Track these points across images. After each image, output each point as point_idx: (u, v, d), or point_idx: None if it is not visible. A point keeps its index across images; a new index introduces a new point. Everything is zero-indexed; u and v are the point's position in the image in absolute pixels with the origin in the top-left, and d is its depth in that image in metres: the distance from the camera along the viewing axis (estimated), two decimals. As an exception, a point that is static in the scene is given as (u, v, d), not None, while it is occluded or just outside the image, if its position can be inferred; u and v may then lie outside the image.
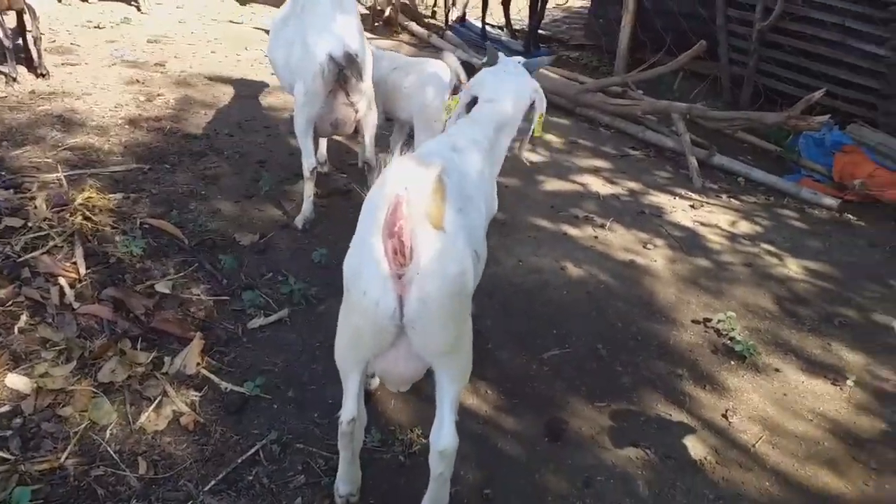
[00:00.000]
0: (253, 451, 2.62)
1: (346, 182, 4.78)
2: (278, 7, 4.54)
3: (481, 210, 2.49)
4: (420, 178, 1.85)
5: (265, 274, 3.68)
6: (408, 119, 4.28)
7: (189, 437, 2.65)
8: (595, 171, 5.48)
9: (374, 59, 4.17)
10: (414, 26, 8.46)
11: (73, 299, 3.11)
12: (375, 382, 2.98)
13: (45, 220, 3.59)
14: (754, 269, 4.31)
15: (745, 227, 4.84)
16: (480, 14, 8.40)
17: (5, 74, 5.37)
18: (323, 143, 4.89)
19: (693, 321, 3.73)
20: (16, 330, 2.91)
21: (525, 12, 9.59)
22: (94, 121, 4.99)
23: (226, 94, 6.02)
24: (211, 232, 3.95)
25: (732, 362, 3.44)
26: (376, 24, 8.56)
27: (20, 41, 5.75)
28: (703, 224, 4.80)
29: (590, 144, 6.01)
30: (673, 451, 2.85)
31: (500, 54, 3.03)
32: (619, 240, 4.44)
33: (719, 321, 3.66)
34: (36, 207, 3.67)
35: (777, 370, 3.43)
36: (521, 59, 3.03)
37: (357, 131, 4.13)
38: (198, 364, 2.95)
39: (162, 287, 3.37)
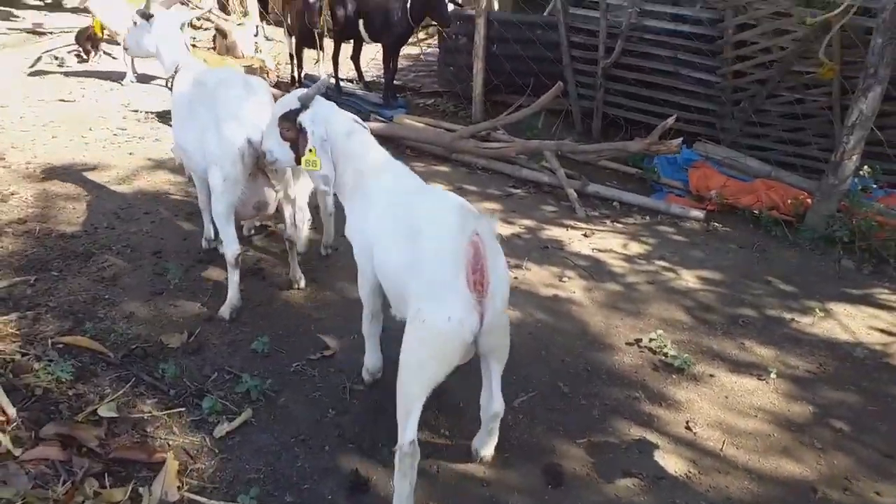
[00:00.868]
0: (273, 569, 2.47)
1: (255, 261, 4.62)
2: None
3: None
4: (483, 224, 2.50)
5: (210, 375, 3.47)
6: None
7: (198, 571, 2.44)
8: (489, 213, 5.73)
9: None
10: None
11: (11, 446, 2.75)
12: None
13: (-59, 361, 3.14)
14: (658, 285, 4.75)
15: (636, 247, 5.31)
16: (332, 69, 8.48)
17: None
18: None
19: (627, 343, 4.04)
20: (-46, 498, 2.52)
21: (373, 63, 9.84)
22: (-49, 234, 4.43)
23: (87, 182, 5.58)
24: (134, 339, 3.66)
25: (674, 376, 3.78)
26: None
27: None
28: (600, 250, 5.21)
29: (475, 188, 6.29)
30: (660, 472, 3.08)
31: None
32: (536, 277, 4.70)
33: (651, 340, 4.00)
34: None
35: (711, 376, 3.81)
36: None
37: (278, 210, 4.05)
38: (178, 488, 2.73)
39: (106, 411, 3.07)
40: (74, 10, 11.68)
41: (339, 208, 4.60)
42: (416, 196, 2.90)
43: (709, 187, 6.10)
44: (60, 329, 3.63)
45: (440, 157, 6.90)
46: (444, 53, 8.37)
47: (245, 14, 11.04)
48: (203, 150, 3.75)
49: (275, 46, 10.59)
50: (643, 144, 5.81)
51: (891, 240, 5.03)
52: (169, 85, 4.22)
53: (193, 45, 8.90)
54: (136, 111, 7.57)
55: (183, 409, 3.19)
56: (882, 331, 4.37)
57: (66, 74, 8.66)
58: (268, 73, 7.13)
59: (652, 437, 3.30)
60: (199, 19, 10.85)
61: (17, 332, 3.51)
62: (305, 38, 8.29)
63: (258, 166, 3.73)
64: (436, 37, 10.08)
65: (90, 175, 5.72)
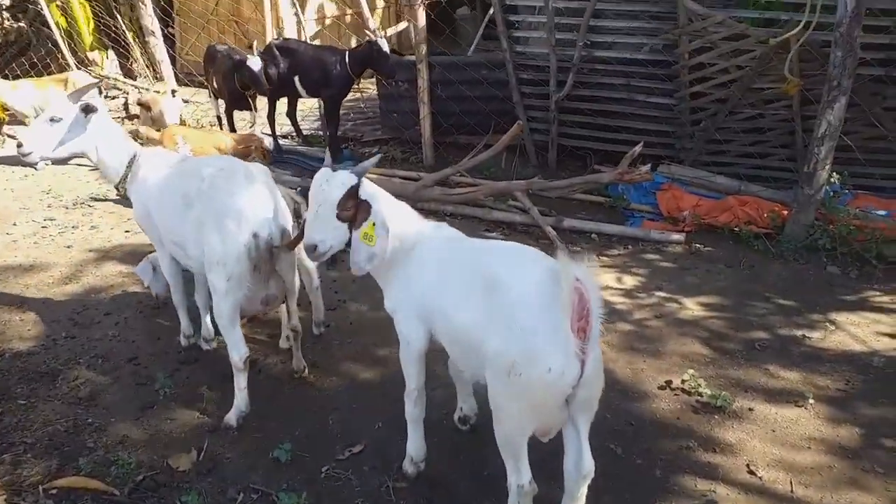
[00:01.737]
0: None
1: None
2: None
3: None
4: (583, 269, 2.35)
5: (236, 498, 3.13)
6: None
7: None
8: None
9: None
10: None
11: None
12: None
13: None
14: (666, 318, 4.70)
15: (630, 280, 5.28)
16: (270, 130, 8.18)
17: None
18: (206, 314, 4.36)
19: (659, 388, 3.95)
20: None
21: (305, 117, 9.59)
22: None
23: (28, 286, 5.07)
24: (137, 468, 3.26)
25: (716, 416, 3.70)
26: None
27: None
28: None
29: (450, 238, 6.12)
30: (743, 527, 2.96)
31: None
32: (544, 328, 4.56)
33: (683, 381, 3.92)
34: None
35: (751, 409, 3.76)
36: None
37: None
38: None
39: (132, 566, 2.68)
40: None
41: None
42: (477, 250, 2.92)
43: (680, 208, 6.18)
44: (48, 470, 3.20)
45: (404, 209, 6.71)
46: (385, 100, 8.23)
47: (158, 79, 10.59)
48: (200, 247, 3.43)
49: (196, 109, 10.18)
50: (615, 174, 5.82)
51: (871, 241, 5.20)
52: (121, 190, 3.87)
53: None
54: (61, 197, 7.01)
55: (220, 545, 2.84)
56: (889, 335, 4.46)
57: (-28, 165, 7.98)
58: (264, 154, 6.78)
59: (721, 489, 3.19)
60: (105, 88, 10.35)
61: (-1, 484, 3.06)
62: (236, 99, 7.97)
63: (263, 259, 3.43)
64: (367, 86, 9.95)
65: (29, 277, 5.20)
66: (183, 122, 9.00)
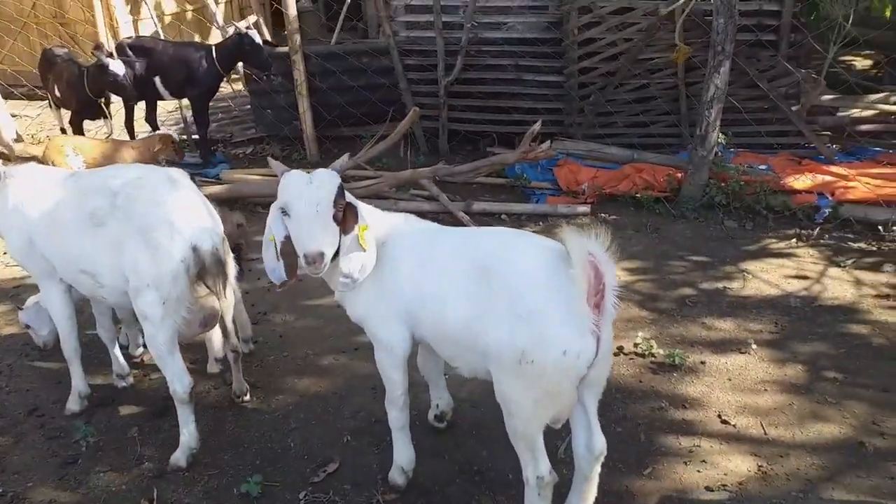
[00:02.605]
0: None
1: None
2: None
3: None
4: (594, 245, 2.24)
5: (210, 546, 2.77)
6: None
7: None
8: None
9: None
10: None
11: None
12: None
13: None
14: (596, 288, 4.79)
15: (551, 256, 5.32)
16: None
17: None
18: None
19: (613, 354, 3.99)
20: None
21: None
22: None
23: None
24: (82, 535, 2.80)
25: (675, 374, 3.81)
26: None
27: None
28: (521, 267, 5.13)
29: (358, 234, 5.87)
30: (737, 476, 3.06)
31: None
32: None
33: (636, 344, 4.01)
34: None
35: (703, 363, 3.91)
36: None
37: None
38: None
39: None
40: None
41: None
42: (459, 238, 2.75)
43: (578, 182, 6.33)
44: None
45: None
46: (258, 97, 7.74)
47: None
48: (119, 273, 2.97)
49: (30, 124, 9.05)
50: (518, 154, 5.85)
51: (759, 194, 5.61)
52: None
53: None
54: None
55: None
56: (796, 277, 4.83)
57: None
58: (175, 150, 6.04)
59: (703, 442, 3.28)
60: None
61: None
62: (85, 108, 7.13)
63: (199, 276, 3.04)
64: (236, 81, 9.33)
65: None
66: (19, 139, 7.97)
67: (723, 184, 5.71)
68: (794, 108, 6.37)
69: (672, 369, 3.85)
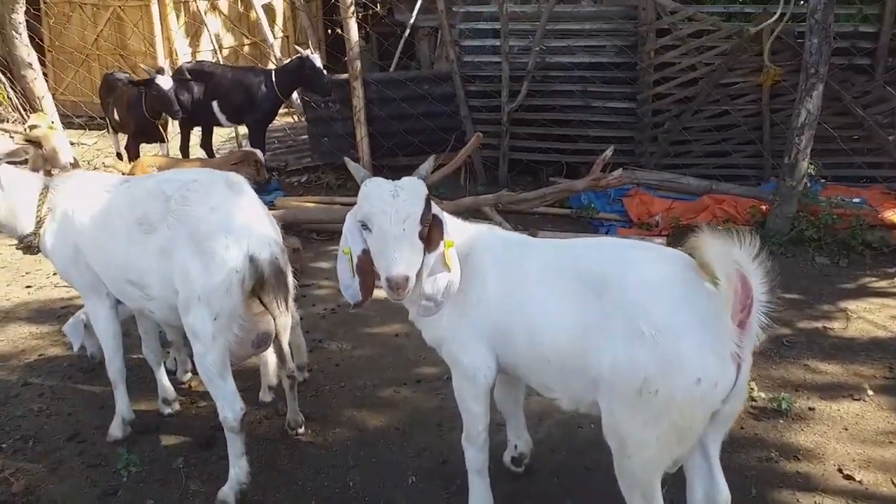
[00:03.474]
0: None
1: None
2: None
3: None
4: (742, 254, 1.94)
5: None
6: None
7: None
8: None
9: None
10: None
11: None
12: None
13: None
14: (679, 324, 4.40)
15: (626, 289, 4.95)
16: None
17: None
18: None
19: (707, 397, 3.60)
20: None
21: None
22: None
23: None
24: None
25: (780, 421, 3.40)
26: None
27: None
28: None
29: (417, 263, 5.60)
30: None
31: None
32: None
33: (733, 386, 3.59)
34: None
35: (811, 409, 3.49)
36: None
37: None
38: None
39: None
40: None
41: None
42: (561, 248, 2.43)
43: (650, 213, 5.98)
44: None
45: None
46: (315, 124, 7.63)
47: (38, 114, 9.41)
48: (169, 284, 2.74)
49: (87, 151, 9.13)
50: (587, 182, 5.56)
51: (855, 229, 5.17)
52: (34, 242, 3.16)
53: None
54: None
55: None
56: (905, 318, 4.37)
57: None
58: (258, 169, 6.02)
59: (827, 501, 2.84)
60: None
61: None
62: (142, 131, 7.12)
63: (253, 290, 2.78)
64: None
65: None
66: (76, 164, 8.01)
67: (813, 217, 5.30)
68: (890, 137, 5.93)
69: (777, 415, 3.42)
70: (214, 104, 6.99)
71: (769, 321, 2.00)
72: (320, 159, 7.84)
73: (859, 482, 2.95)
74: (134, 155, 7.34)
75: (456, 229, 2.55)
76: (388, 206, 2.22)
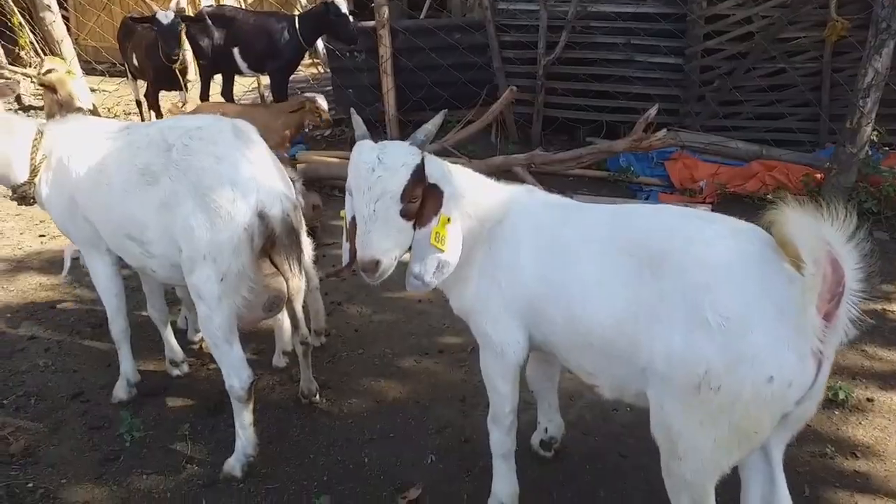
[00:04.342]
0: None
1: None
2: None
3: None
4: (834, 233, 1.68)
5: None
6: None
7: None
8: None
9: None
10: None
11: None
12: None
13: None
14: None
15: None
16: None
17: None
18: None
19: (754, 381, 3.33)
20: None
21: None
22: None
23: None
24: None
25: (837, 412, 3.13)
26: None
27: None
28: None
29: (443, 224, 5.35)
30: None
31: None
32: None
33: (783, 371, 3.32)
34: None
35: (870, 400, 3.21)
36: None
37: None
38: None
39: None
40: None
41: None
42: (611, 216, 2.12)
43: (694, 179, 5.66)
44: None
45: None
46: (340, 75, 7.33)
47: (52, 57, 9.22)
48: (171, 240, 2.52)
49: (107, 98, 8.94)
50: (629, 142, 5.23)
51: (919, 203, 4.82)
52: (28, 192, 2.94)
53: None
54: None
55: None
56: (973, 303, 4.04)
57: None
58: (320, 115, 5.63)
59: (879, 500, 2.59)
60: None
61: None
62: (161, 78, 6.87)
63: (263, 249, 2.55)
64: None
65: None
66: (95, 111, 7.82)
67: (873, 188, 4.93)
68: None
69: (832, 406, 3.15)
70: (235, 51, 6.69)
71: (862, 315, 1.71)
72: (344, 112, 7.55)
73: (924, 482, 2.69)
74: (153, 103, 7.13)
75: (489, 190, 2.31)
76: (362, 182, 2.00)
